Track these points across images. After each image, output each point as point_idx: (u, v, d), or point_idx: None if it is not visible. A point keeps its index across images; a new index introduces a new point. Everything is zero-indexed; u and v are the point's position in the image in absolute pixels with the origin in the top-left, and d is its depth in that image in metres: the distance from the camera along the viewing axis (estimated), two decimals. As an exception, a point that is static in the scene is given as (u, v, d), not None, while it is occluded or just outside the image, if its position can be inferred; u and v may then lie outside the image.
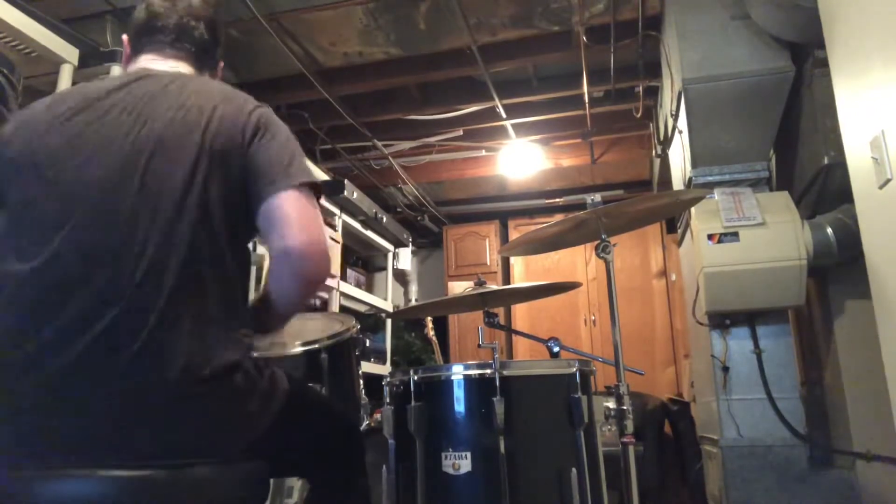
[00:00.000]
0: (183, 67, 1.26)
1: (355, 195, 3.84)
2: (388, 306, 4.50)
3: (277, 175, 1.10)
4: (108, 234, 1.01)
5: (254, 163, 1.11)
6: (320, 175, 3.90)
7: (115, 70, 2.47)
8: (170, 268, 1.01)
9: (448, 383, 1.49)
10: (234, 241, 1.11)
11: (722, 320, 2.72)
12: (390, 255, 4.73)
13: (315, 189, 1.14)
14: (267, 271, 1.17)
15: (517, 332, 4.95)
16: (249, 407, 1.07)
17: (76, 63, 2.37)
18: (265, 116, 1.16)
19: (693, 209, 2.67)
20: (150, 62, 1.25)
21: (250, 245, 1.21)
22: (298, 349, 1.59)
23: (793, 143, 2.71)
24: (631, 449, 1.50)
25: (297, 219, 1.08)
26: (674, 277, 4.74)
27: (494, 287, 1.89)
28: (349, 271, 4.42)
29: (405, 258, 4.93)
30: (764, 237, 2.48)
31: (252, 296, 1.22)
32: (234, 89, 1.22)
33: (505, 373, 1.43)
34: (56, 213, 1.02)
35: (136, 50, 1.28)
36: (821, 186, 2.48)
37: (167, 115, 1.09)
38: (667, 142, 3.40)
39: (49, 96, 1.19)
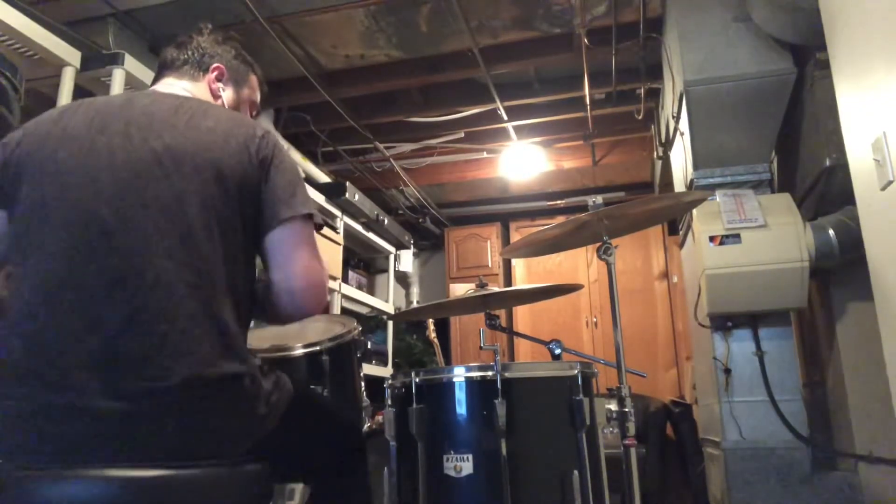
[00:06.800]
0: (187, 84, 1.32)
1: (357, 197, 3.84)
2: (389, 308, 4.50)
3: (281, 206, 1.14)
4: (120, 243, 1.02)
5: (262, 190, 1.15)
6: (321, 177, 3.91)
7: (117, 73, 2.47)
8: (180, 276, 1.02)
9: (450, 385, 1.49)
10: (242, 253, 1.14)
11: (724, 322, 2.71)
12: (392, 257, 4.74)
13: (314, 220, 1.19)
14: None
15: (519, 335, 4.95)
16: (255, 410, 1.09)
17: (78, 66, 2.37)
18: (273, 144, 1.20)
19: (695, 211, 2.66)
20: (163, 86, 1.32)
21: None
22: (300, 351, 1.60)
23: (794, 144, 2.71)
24: (633, 451, 1.50)
25: (298, 257, 1.15)
26: (675, 279, 4.74)
27: (496, 289, 1.89)
28: (350, 273, 4.42)
29: (406, 260, 4.93)
30: (766, 239, 2.47)
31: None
32: (243, 115, 1.29)
33: (507, 375, 1.43)
34: (67, 219, 1.04)
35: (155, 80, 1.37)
36: (822, 188, 2.48)
37: (180, 134, 1.11)
38: (668, 144, 3.40)
39: (58, 107, 1.21)
